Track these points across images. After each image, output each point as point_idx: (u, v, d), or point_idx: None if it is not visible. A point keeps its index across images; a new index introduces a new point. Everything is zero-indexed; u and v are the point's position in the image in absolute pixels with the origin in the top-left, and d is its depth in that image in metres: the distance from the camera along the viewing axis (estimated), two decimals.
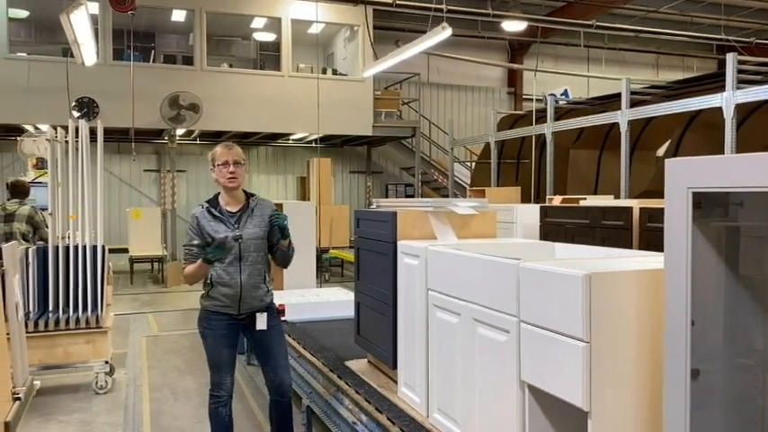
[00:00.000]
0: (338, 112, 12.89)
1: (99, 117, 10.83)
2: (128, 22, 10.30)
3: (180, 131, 12.78)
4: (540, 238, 5.61)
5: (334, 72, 13.95)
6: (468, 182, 14.09)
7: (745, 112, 8.55)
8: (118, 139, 12.70)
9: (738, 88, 6.88)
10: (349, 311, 4.23)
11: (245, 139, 13.94)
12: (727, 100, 6.87)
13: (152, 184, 14.72)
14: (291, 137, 14.22)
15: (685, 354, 1.67)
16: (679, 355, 1.68)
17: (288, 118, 12.67)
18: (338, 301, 5.54)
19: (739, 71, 6.99)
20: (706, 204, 1.78)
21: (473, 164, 14.40)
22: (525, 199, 10.17)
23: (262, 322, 3.56)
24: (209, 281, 3.49)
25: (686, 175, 1.62)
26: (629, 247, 4.39)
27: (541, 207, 6.05)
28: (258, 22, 13.62)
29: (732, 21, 15.31)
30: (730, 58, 6.95)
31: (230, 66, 13.38)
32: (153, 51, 13.51)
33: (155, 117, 11.80)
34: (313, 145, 14.30)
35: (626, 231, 4.53)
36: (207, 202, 3.59)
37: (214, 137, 14.09)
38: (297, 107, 12.62)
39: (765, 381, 1.98)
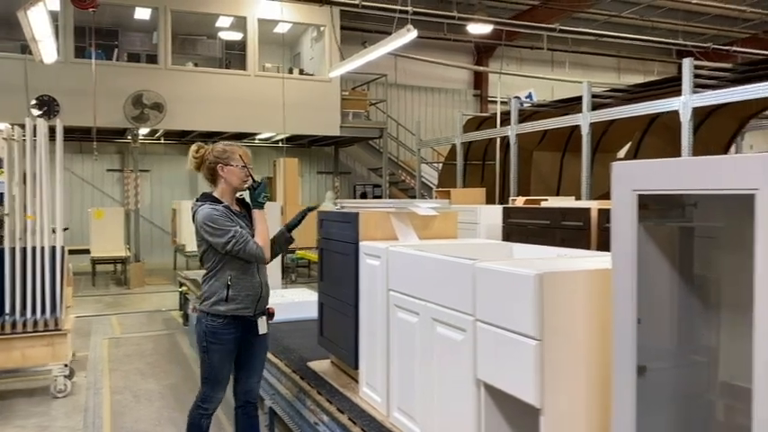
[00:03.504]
0: (305, 112, 12.87)
1: (60, 116, 10.62)
2: (90, 19, 10.12)
3: (144, 131, 12.60)
4: (503, 239, 5.69)
5: (301, 72, 13.92)
6: (436, 183, 14.19)
7: (703, 115, 8.80)
8: (80, 138, 12.47)
9: (695, 92, 7.07)
10: (313, 312, 4.23)
11: (210, 139, 13.76)
12: (684, 103, 7.06)
13: (115, 183, 14.48)
14: (258, 137, 14.13)
15: (632, 351, 1.73)
16: (626, 352, 1.74)
17: (254, 118, 12.60)
18: (302, 302, 5.53)
19: (696, 76, 7.19)
20: (652, 206, 1.84)
21: (440, 165, 14.51)
22: (490, 200, 10.29)
23: (263, 326, 3.37)
24: (229, 282, 3.21)
25: (632, 179, 1.68)
26: (588, 247, 4.48)
27: (504, 208, 6.13)
28: (224, 21, 13.52)
29: (690, 26, 15.72)
30: (687, 64, 7.15)
31: (195, 65, 13.24)
32: (116, 49, 13.28)
33: (118, 116, 11.62)
34: (280, 145, 14.24)
35: (584, 232, 4.63)
36: (212, 200, 3.26)
37: (178, 136, 13.94)
38: (263, 107, 12.56)
39: (714, 377, 2.05)
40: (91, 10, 9.03)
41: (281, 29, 13.97)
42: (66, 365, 5.28)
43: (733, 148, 11.21)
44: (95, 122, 10.34)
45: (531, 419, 2.04)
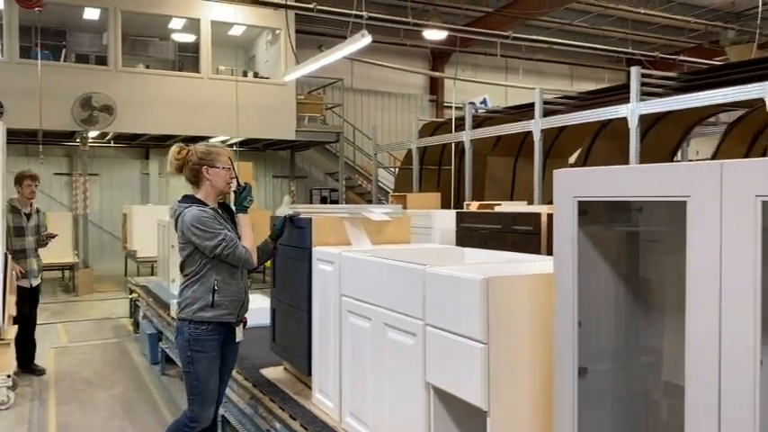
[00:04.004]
0: (260, 115, 12.76)
1: (4, 117, 10.27)
2: (35, 18, 9.83)
3: (93, 134, 12.29)
4: (457, 243, 5.75)
5: (256, 75, 13.80)
6: (393, 187, 14.24)
7: (650, 122, 9.07)
8: (26, 140, 12.09)
9: (643, 100, 7.29)
10: (266, 318, 4.20)
11: (163, 143, 13.58)
12: (632, 111, 7.27)
13: (63, 188, 14.08)
14: (211, 140, 13.94)
15: (573, 353, 1.78)
16: (567, 354, 1.78)
17: (207, 121, 12.44)
18: (256, 309, 5.43)
19: (644, 84, 7.41)
20: (595, 211, 1.90)
21: (397, 169, 14.57)
22: (446, 204, 10.38)
23: (241, 333, 3.29)
24: (215, 287, 3.10)
25: (572, 185, 1.72)
26: (539, 251, 4.57)
27: (458, 213, 6.19)
28: (177, 23, 13.30)
29: (639, 36, 16.20)
30: (634, 72, 7.36)
31: (147, 66, 12.99)
32: (64, 50, 12.93)
33: (65, 118, 11.31)
34: (234, 149, 14.07)
35: (535, 236, 4.72)
36: (197, 203, 3.14)
37: (129, 140, 13.66)
38: (217, 110, 12.41)
39: (655, 377, 2.12)
40: (37, 9, 8.79)
41: (236, 31, 13.83)
42: (8, 376, 5.10)
43: (679, 155, 11.58)
44: (41, 125, 10.04)
45: (479, 421, 2.07)
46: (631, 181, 1.60)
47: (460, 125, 10.52)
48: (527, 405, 2.06)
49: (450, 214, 6.35)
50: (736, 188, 1.37)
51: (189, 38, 13.78)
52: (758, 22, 12.42)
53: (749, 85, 6.18)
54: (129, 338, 7.69)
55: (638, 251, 2.10)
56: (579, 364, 1.78)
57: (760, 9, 11.82)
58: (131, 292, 8.04)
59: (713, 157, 10.38)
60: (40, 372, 6.00)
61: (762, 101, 6.02)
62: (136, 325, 7.64)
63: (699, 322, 1.46)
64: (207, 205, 3.14)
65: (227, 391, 4.09)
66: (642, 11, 13.91)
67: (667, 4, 14.90)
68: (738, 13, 15.33)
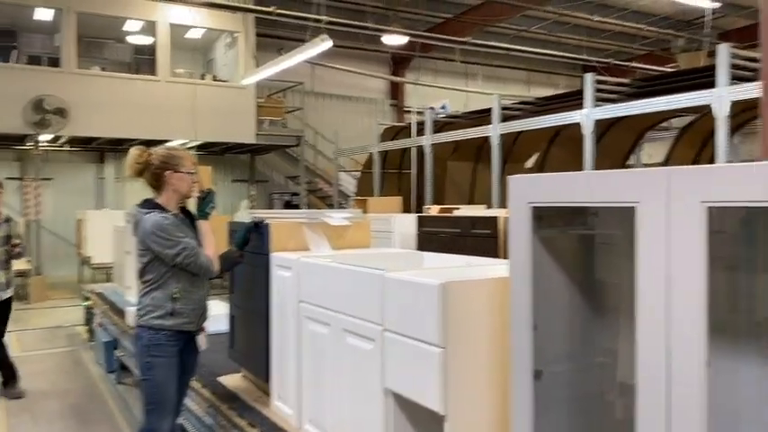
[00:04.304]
0: (218, 119, 12.62)
1: None
2: None
3: (46, 137, 11.96)
4: (417, 247, 5.78)
5: (215, 78, 13.64)
6: (354, 191, 14.24)
7: (604, 127, 9.27)
8: None
9: (597, 105, 7.46)
10: (224, 325, 4.14)
11: (119, 146, 13.29)
12: (586, 116, 7.43)
13: (14, 193, 13.63)
14: (168, 144, 13.72)
15: (528, 356, 1.80)
16: (522, 357, 1.81)
17: (165, 124, 12.23)
18: (214, 315, 5.38)
19: (598, 90, 7.59)
20: (551, 216, 1.93)
21: (358, 173, 14.58)
22: (407, 208, 10.43)
23: (203, 342, 3.21)
24: (175, 295, 3.02)
25: (526, 191, 1.75)
26: (497, 254, 4.63)
27: (418, 217, 6.23)
28: (133, 25, 13.05)
29: (594, 42, 16.56)
30: (589, 78, 7.53)
31: (102, 69, 12.72)
32: (15, 51, 12.55)
33: (16, 121, 10.99)
34: (192, 152, 13.87)
35: (493, 240, 4.78)
36: (158, 208, 3.03)
37: (84, 143, 13.33)
38: (174, 113, 12.22)
39: (610, 378, 2.17)
40: None
41: (194, 34, 13.65)
42: None
43: (633, 159, 11.87)
44: None
45: (437, 426, 2.08)
46: (583, 187, 1.63)
47: (421, 130, 10.59)
48: (485, 409, 2.08)
49: (411, 218, 6.39)
50: (683, 195, 1.41)
51: (146, 40, 13.55)
52: (706, 30, 12.84)
53: (698, 92, 6.38)
54: (83, 347, 7.50)
55: (593, 254, 2.15)
56: (535, 367, 1.81)
57: (708, 18, 12.22)
58: (86, 299, 7.84)
59: (665, 162, 10.68)
60: (17, 395, 5.53)
61: (710, 107, 6.22)
62: (91, 333, 7.46)
63: (648, 325, 1.50)
64: (168, 211, 3.06)
65: (185, 399, 4.03)
66: (596, 18, 14.23)
67: (620, 11, 15.28)
68: (688, 22, 15.81)
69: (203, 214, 3.18)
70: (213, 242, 3.16)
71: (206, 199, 3.19)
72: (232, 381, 3.88)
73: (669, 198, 1.44)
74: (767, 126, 3.75)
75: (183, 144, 13.59)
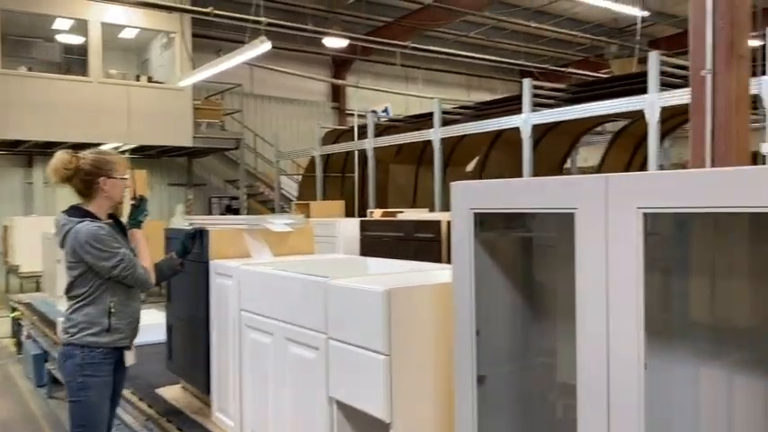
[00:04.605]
0: (154, 121, 12.28)
1: None
2: None
3: None
4: (361, 252, 5.76)
5: (150, 80, 13.26)
6: (297, 195, 14.11)
7: (542, 131, 9.50)
8: None
9: (535, 110, 7.62)
10: (161, 335, 4.01)
11: (48, 150, 12.73)
12: (525, 121, 7.58)
13: None
14: (100, 147, 13.24)
15: (471, 362, 1.81)
16: (466, 363, 1.81)
17: (97, 127, 11.80)
18: (150, 325, 5.18)
19: (535, 95, 7.76)
20: (494, 221, 1.94)
21: (300, 177, 14.45)
22: (351, 212, 10.40)
23: (131, 357, 3.00)
24: (111, 309, 2.81)
25: (468, 198, 1.76)
26: (440, 258, 4.65)
27: (361, 221, 6.21)
28: (63, 23, 12.56)
29: (531, 48, 16.95)
30: (526, 84, 7.69)
31: (29, 69, 12.17)
32: None
33: None
34: (127, 156, 13.45)
35: (436, 244, 4.80)
36: (90, 216, 2.84)
37: (10, 146, 12.72)
38: (107, 115, 11.82)
39: (552, 379, 2.20)
40: None
41: (128, 34, 13.24)
42: None
43: (569, 162, 12.20)
44: None
45: None
46: (523, 194, 1.65)
47: (363, 133, 10.59)
48: (430, 415, 2.07)
49: (354, 222, 6.36)
50: (619, 200, 1.44)
51: (76, 39, 13.05)
52: (637, 38, 13.34)
53: (630, 98, 6.61)
54: (11, 360, 7.16)
55: (535, 257, 2.18)
56: (478, 372, 1.82)
57: (638, 26, 12.69)
58: (13, 310, 7.49)
59: (600, 165, 11.01)
60: None
61: (642, 112, 6.45)
62: (19, 345, 7.12)
63: (588, 328, 1.52)
64: (100, 219, 2.87)
65: (121, 413, 3.88)
66: (533, 25, 14.56)
67: (556, 18, 15.69)
68: (620, 29, 16.38)
69: (136, 222, 3.02)
70: (148, 252, 3.00)
71: (140, 206, 3.04)
72: (171, 392, 3.77)
73: (606, 204, 1.47)
74: (695, 132, 3.91)
75: (117, 147, 13.17)
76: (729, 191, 1.26)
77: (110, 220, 2.94)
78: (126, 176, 3.00)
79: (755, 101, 5.38)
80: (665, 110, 6.20)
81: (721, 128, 3.60)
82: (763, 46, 5.58)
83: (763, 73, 5.47)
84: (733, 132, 3.55)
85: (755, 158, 5.92)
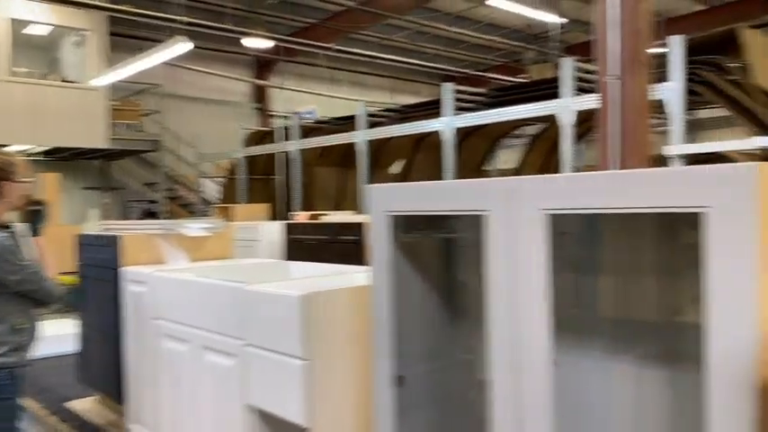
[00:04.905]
0: (65, 122, 11.73)
1: None
2: None
3: None
4: (286, 255, 5.70)
5: (62, 79, 12.66)
6: (219, 198, 13.80)
7: (464, 135, 9.69)
8: None
9: (456, 114, 7.77)
10: (69, 346, 3.83)
11: None
12: (446, 124, 7.72)
13: None
14: (5, 149, 12.52)
15: (390, 362, 1.82)
16: (384, 364, 1.82)
17: (4, 128, 11.16)
18: (59, 335, 4.95)
19: (457, 99, 7.90)
20: (411, 223, 1.96)
21: (223, 179, 14.14)
22: (276, 215, 10.27)
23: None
24: (21, 326, 2.57)
25: (383, 201, 1.77)
26: (363, 260, 4.66)
27: (286, 224, 6.14)
28: None
29: (452, 53, 17.27)
30: (448, 88, 7.83)
31: None
32: None
33: None
34: (37, 159, 12.79)
35: (360, 246, 4.81)
36: None
37: None
38: (13, 116, 11.18)
39: (472, 377, 2.24)
40: None
41: (38, 30, 12.59)
42: None
43: (490, 165, 12.50)
44: None
45: None
46: (437, 197, 1.67)
47: (288, 135, 10.49)
48: (350, 419, 2.07)
49: (278, 226, 6.29)
50: (525, 203, 1.49)
51: None
52: (552, 44, 13.83)
53: (546, 103, 6.84)
54: None
55: (456, 258, 2.21)
56: (397, 374, 1.83)
57: (553, 33, 13.17)
58: None
59: (519, 167, 11.35)
60: None
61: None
62: None
63: (498, 327, 1.56)
64: (3, 228, 2.63)
65: (27, 427, 3.68)
66: (454, 30, 14.84)
67: (476, 24, 16.06)
68: (536, 36, 16.93)
69: (35, 230, 2.81)
70: (54, 263, 2.79)
71: (41, 212, 2.83)
72: (83, 405, 3.61)
73: (513, 206, 1.51)
74: (604, 136, 4.09)
75: (24, 150, 12.51)
76: (625, 192, 1.33)
77: (9, 229, 2.71)
78: (30, 180, 2.82)
79: (660, 105, 5.67)
80: (580, 113, 6.45)
81: (626, 131, 3.78)
82: (664, 54, 5.88)
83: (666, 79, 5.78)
84: (635, 135, 3.74)
85: (662, 161, 6.24)
